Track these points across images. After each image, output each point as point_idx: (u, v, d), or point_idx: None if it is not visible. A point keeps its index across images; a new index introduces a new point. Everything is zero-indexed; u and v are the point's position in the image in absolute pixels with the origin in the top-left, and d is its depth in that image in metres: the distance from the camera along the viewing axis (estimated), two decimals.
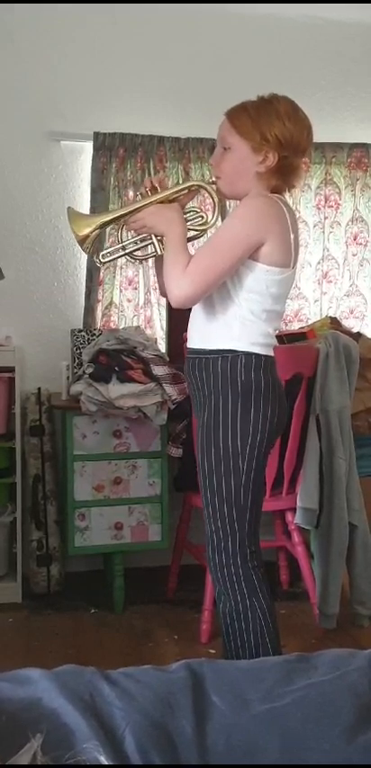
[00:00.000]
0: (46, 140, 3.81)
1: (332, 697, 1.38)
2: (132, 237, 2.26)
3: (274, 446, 2.30)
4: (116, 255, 2.32)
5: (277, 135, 2.11)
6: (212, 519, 2.21)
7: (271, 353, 2.21)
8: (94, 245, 2.23)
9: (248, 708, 1.35)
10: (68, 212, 2.23)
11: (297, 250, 2.20)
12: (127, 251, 2.28)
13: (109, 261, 2.37)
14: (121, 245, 2.26)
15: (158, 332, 3.89)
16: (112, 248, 2.32)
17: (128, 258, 2.36)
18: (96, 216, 2.39)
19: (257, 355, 2.16)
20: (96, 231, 2.19)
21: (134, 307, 3.91)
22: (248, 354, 2.14)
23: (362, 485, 3.24)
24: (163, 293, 2.34)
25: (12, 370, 3.51)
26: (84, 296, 3.85)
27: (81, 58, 3.82)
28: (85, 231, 2.18)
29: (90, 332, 3.59)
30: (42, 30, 3.76)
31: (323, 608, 3.15)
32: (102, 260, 2.31)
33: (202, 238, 2.46)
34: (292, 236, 2.15)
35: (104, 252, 2.32)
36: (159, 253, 2.20)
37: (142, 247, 2.28)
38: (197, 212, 2.30)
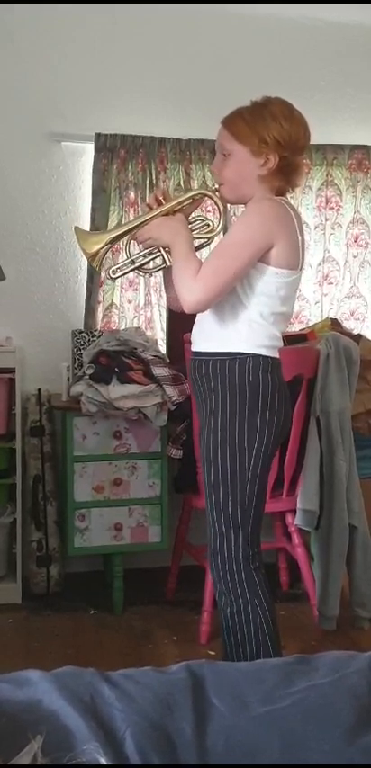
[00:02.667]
0: (47, 141, 3.81)
1: (332, 699, 1.39)
2: (140, 251, 2.27)
3: (278, 448, 2.30)
4: (126, 270, 2.33)
5: (275, 136, 2.13)
6: (215, 520, 2.21)
7: (277, 355, 2.22)
8: (103, 260, 2.25)
9: (247, 709, 1.35)
10: (76, 232, 2.25)
11: (304, 251, 2.21)
12: (136, 265, 2.29)
13: (119, 276, 2.39)
14: (130, 259, 2.28)
15: (159, 333, 3.89)
16: (121, 263, 2.32)
17: (137, 272, 2.38)
18: (104, 233, 2.41)
19: (265, 357, 2.17)
20: (106, 247, 2.22)
21: (135, 308, 3.91)
22: (255, 356, 2.16)
23: (362, 486, 3.24)
24: (173, 306, 2.35)
25: (12, 370, 3.51)
26: (84, 297, 3.85)
27: (81, 59, 3.82)
28: (95, 248, 2.21)
29: (91, 333, 3.59)
30: (42, 30, 3.76)
31: (323, 610, 3.15)
32: (112, 275, 2.34)
33: (209, 246, 2.46)
34: (299, 238, 2.16)
35: (115, 267, 2.33)
36: (168, 264, 2.22)
37: (151, 260, 2.29)
38: (203, 221, 2.31)
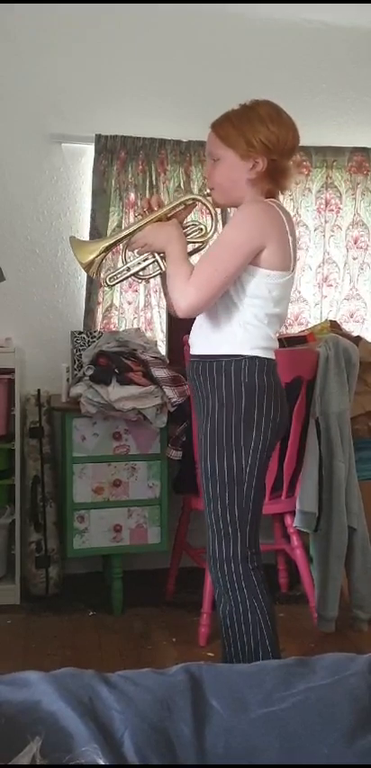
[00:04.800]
0: (47, 142, 3.82)
1: (331, 701, 1.38)
2: (135, 258, 2.28)
3: (274, 449, 2.31)
4: (122, 277, 2.34)
5: (262, 140, 2.13)
6: (213, 521, 2.21)
7: (273, 356, 2.23)
8: (99, 269, 2.26)
9: (246, 711, 1.35)
10: (71, 241, 2.27)
11: (296, 252, 2.22)
12: (132, 271, 2.30)
13: (116, 283, 2.40)
14: (125, 266, 2.29)
15: (159, 334, 3.89)
16: (117, 270, 2.34)
17: (134, 278, 2.38)
18: (98, 241, 2.42)
19: (261, 359, 2.17)
20: (101, 256, 2.23)
21: (134, 309, 3.91)
22: (251, 358, 2.16)
23: (361, 488, 3.24)
24: (173, 311, 2.34)
25: (12, 371, 3.51)
26: (84, 298, 3.85)
27: (82, 60, 3.82)
28: (90, 258, 2.22)
29: (90, 334, 3.59)
30: (43, 30, 3.76)
31: (322, 611, 3.15)
32: (109, 282, 2.34)
33: (203, 250, 2.47)
34: (290, 239, 2.17)
35: (111, 275, 2.34)
36: (163, 269, 2.23)
37: (146, 266, 2.30)
38: (196, 225, 2.31)
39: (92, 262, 2.22)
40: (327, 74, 4.11)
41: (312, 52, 4.07)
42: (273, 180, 2.20)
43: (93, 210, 3.80)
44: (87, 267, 2.23)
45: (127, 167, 3.82)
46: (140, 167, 3.83)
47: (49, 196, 3.86)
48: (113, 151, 3.79)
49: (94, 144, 3.78)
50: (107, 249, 2.26)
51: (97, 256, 2.22)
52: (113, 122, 3.82)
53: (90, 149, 3.81)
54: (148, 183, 3.84)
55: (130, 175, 3.84)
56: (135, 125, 3.83)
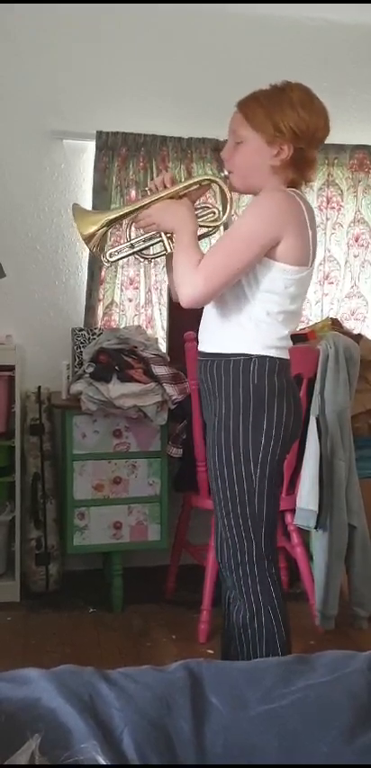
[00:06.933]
0: (48, 139, 3.81)
1: (331, 699, 1.38)
2: (141, 235, 2.17)
3: (289, 452, 2.21)
4: (124, 254, 2.21)
5: (292, 126, 2.02)
6: (226, 526, 2.14)
7: (286, 356, 2.12)
8: (100, 243, 2.12)
9: (246, 709, 1.35)
10: (73, 209, 2.15)
11: (315, 247, 2.10)
12: (135, 249, 2.18)
13: (117, 260, 2.28)
14: (129, 242, 2.17)
15: (159, 332, 3.89)
16: (119, 246, 2.21)
17: (136, 257, 2.25)
18: (103, 213, 2.26)
19: (272, 358, 2.07)
20: (103, 229, 2.09)
21: (135, 306, 3.90)
22: (262, 357, 2.06)
23: (362, 486, 3.24)
24: (175, 295, 2.22)
25: (12, 368, 3.50)
26: (85, 295, 3.84)
27: (82, 57, 3.81)
28: (91, 230, 2.08)
29: (91, 331, 3.59)
30: (43, 31, 3.75)
31: (322, 609, 3.15)
32: (109, 259, 2.22)
33: (214, 235, 2.36)
34: (310, 233, 2.05)
35: (112, 250, 2.22)
36: (169, 251, 2.11)
37: (150, 245, 2.19)
38: (209, 208, 2.19)
39: (93, 234, 2.07)
40: (328, 72, 4.08)
41: (313, 51, 4.06)
42: (297, 170, 2.08)
43: (94, 207, 3.78)
44: (87, 240, 2.08)
45: (128, 164, 3.82)
46: (141, 164, 3.83)
47: (49, 193, 3.85)
48: (113, 148, 3.78)
49: (95, 141, 3.77)
50: (111, 223, 2.12)
51: (99, 229, 2.07)
52: (114, 119, 3.81)
53: (91, 146, 3.80)
54: (149, 179, 3.83)
55: (131, 172, 3.83)
56: (136, 122, 3.82)
